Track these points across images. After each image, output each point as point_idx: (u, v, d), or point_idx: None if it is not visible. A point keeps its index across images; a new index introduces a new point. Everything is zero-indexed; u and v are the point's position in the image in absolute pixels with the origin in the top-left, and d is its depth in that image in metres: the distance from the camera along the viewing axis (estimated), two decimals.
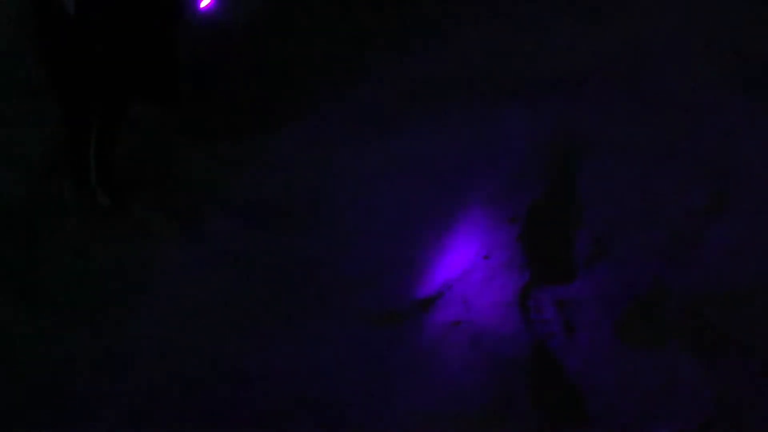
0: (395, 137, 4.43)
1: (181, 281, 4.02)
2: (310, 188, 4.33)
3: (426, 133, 4.41)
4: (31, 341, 3.79)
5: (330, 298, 3.87)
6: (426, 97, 4.63)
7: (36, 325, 3.85)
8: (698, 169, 3.99)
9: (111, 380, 3.64)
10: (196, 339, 3.77)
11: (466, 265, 3.93)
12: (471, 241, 4.01)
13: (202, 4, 4.14)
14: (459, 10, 4.99)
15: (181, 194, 4.40)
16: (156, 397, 3.56)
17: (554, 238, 3.93)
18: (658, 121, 4.21)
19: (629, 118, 4.25)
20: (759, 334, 3.48)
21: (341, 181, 4.33)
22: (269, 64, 4.96)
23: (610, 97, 4.34)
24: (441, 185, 4.23)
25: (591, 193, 4.02)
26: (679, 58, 4.50)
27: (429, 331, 3.69)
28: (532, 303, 3.73)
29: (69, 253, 4.14)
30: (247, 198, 4.33)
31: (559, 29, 4.78)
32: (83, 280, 4.04)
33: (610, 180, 4.03)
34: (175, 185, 4.44)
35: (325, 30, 4.97)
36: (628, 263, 3.76)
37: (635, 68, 4.44)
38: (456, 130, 4.39)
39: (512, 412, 3.35)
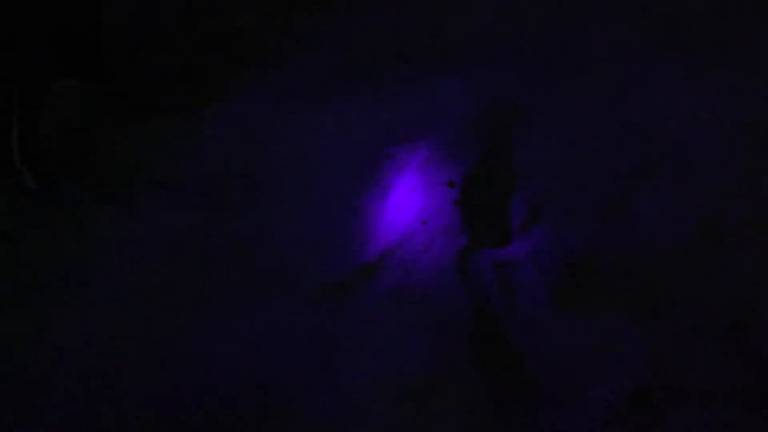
0: (329, 109, 4.43)
1: (113, 264, 3.96)
2: (245, 165, 4.30)
3: (360, 104, 4.42)
4: None
5: (268, 275, 3.86)
6: (359, 67, 4.63)
7: None
8: (628, 135, 4.09)
9: (44, 368, 3.57)
10: (131, 323, 3.72)
11: (405, 232, 3.96)
12: (409, 207, 4.04)
13: None
14: None
15: (111, 174, 4.32)
16: (92, 383, 3.50)
17: (490, 204, 3.99)
18: (587, 87, 4.30)
19: (561, 86, 4.32)
20: (689, 296, 3.60)
21: (276, 157, 4.31)
22: (199, 35, 4.88)
23: (543, 66, 4.40)
24: (376, 155, 4.25)
25: (525, 160, 4.09)
26: (610, 26, 4.59)
27: (370, 300, 3.71)
28: (471, 266, 3.79)
29: (1, 238, 4.03)
30: (179, 177, 4.27)
31: (486, 1, 4.83)
32: (11, 266, 3.94)
33: (543, 147, 4.10)
34: (105, 165, 4.36)
35: (259, 1, 4.92)
36: (561, 227, 3.84)
37: (567, 37, 4.51)
38: (390, 100, 4.41)
39: (455, 379, 3.41)
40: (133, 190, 4.24)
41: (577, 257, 3.75)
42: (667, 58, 4.30)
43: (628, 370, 3.41)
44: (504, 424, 3.30)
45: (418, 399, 3.36)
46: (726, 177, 3.87)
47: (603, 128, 4.13)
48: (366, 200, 4.09)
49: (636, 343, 3.48)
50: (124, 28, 4.84)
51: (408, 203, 4.03)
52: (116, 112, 4.54)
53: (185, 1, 4.94)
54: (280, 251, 3.96)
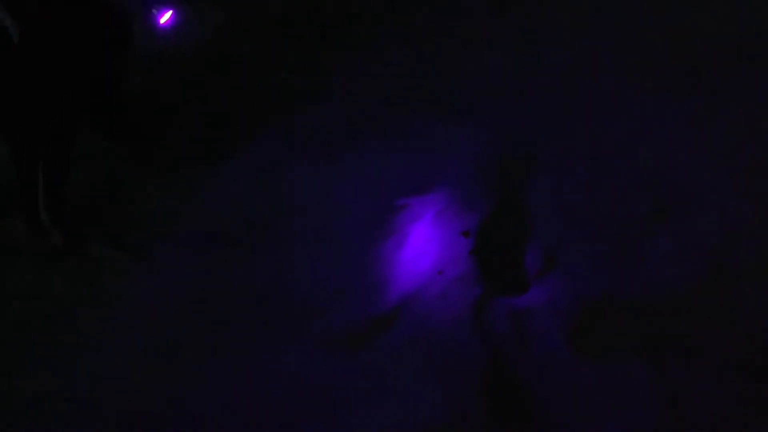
0: (343, 159, 4.49)
1: (134, 316, 4.03)
2: (261, 215, 4.37)
3: (373, 153, 4.47)
4: None
5: (284, 324, 3.90)
6: (371, 116, 4.69)
7: None
8: (639, 179, 4.11)
9: (67, 423, 3.62)
10: (151, 375, 3.77)
11: (421, 281, 4.00)
12: (424, 257, 4.08)
13: (162, 20, 4.13)
14: (396, 29, 5.07)
15: (134, 229, 4.40)
16: None
17: (505, 252, 4.02)
18: (599, 133, 4.33)
19: (572, 131, 4.35)
20: (700, 336, 3.60)
21: (289, 206, 4.38)
22: (216, 92, 4.99)
23: (550, 111, 4.45)
24: (391, 204, 4.30)
25: (538, 207, 4.12)
26: (614, 70, 4.62)
27: (385, 351, 3.74)
28: (487, 316, 3.81)
29: (21, 296, 4.11)
30: (199, 228, 4.35)
31: (496, 47, 4.88)
32: (36, 322, 4.02)
33: (555, 195, 4.13)
34: (128, 220, 4.44)
35: (270, 57, 5.01)
36: (576, 274, 3.86)
37: (572, 82, 4.56)
38: (402, 149, 4.46)
39: (467, 427, 3.42)
40: (155, 243, 4.30)
41: (592, 303, 3.76)
42: (676, 102, 4.33)
43: (645, 415, 3.40)
44: None
45: None
46: (738, 218, 3.88)
47: (615, 173, 4.16)
48: (381, 250, 4.13)
49: (653, 387, 3.47)
50: (146, 86, 4.95)
51: (423, 253, 4.07)
52: (139, 170, 4.63)
53: (204, 69, 5.05)
54: (296, 301, 4.01)
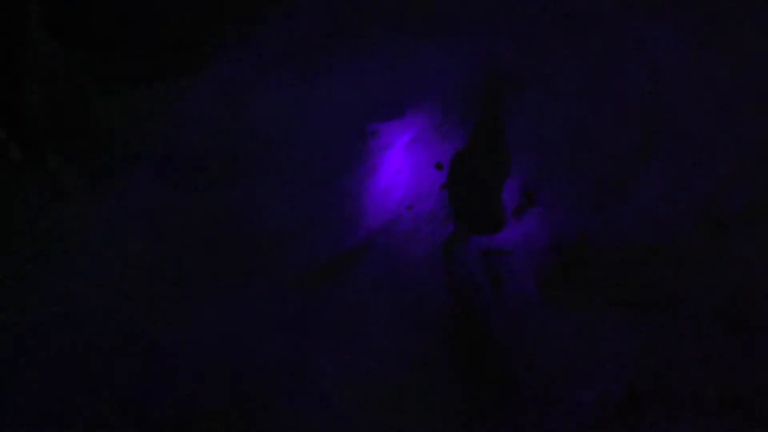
0: (313, 79, 4.20)
1: (93, 242, 3.88)
2: (226, 138, 4.13)
3: (346, 75, 4.18)
4: None
5: (249, 257, 3.74)
6: (346, 35, 4.37)
7: None
8: (626, 111, 3.82)
9: (19, 349, 3.51)
10: (109, 306, 3.65)
11: (390, 216, 3.79)
12: (394, 189, 3.86)
13: None
14: None
15: (94, 147, 4.18)
16: (68, 369, 3.44)
17: (480, 187, 3.79)
18: (588, 57, 4.00)
19: (557, 54, 4.02)
20: (680, 284, 3.40)
21: (259, 129, 4.13)
22: (181, 5, 4.67)
23: (537, 35, 4.11)
24: (362, 130, 4.04)
25: (520, 138, 3.85)
26: None
27: (351, 289, 3.58)
28: (458, 255, 3.62)
29: None
30: (161, 151, 4.11)
31: None
32: None
33: (538, 123, 3.85)
34: (88, 137, 4.22)
35: None
36: (555, 214, 3.64)
37: (560, 4, 4.20)
38: (377, 71, 4.16)
39: (434, 379, 3.29)
40: (115, 164, 4.10)
41: (570, 245, 3.55)
42: (673, 25, 3.97)
43: (617, 371, 3.26)
44: (485, 427, 3.18)
45: (395, 397, 3.25)
46: (729, 162, 3.60)
47: (601, 102, 3.86)
48: (351, 180, 3.90)
49: (627, 343, 3.31)
50: None
51: (393, 185, 3.84)
52: (100, 83, 4.38)
53: None
54: (261, 233, 3.83)
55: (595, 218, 3.60)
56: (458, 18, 4.15)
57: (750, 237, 3.43)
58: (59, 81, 4.42)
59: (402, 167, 3.87)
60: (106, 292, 3.72)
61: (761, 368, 3.16)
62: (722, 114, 3.69)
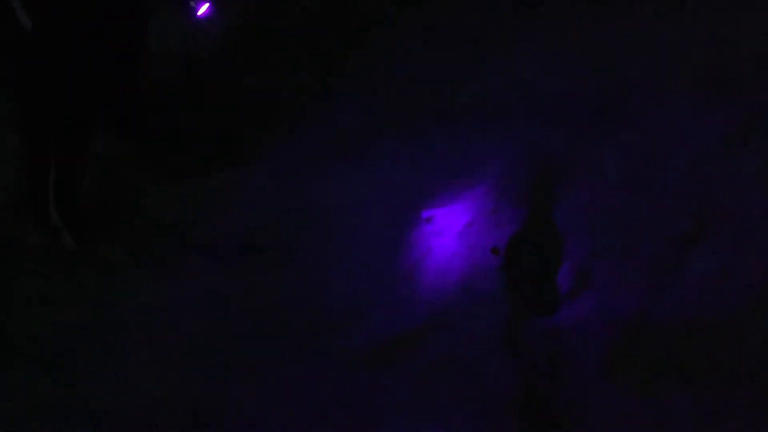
0: (366, 166, 4.34)
1: (151, 326, 3.90)
2: (282, 223, 4.22)
3: (398, 162, 4.33)
4: (3, 396, 3.66)
5: (307, 340, 3.76)
6: (395, 124, 4.55)
7: (5, 379, 3.71)
8: (676, 195, 3.95)
9: None
10: (172, 389, 3.65)
11: (447, 299, 3.85)
12: (450, 273, 3.93)
13: (200, 11, 4.05)
14: (416, 32, 4.90)
15: (149, 234, 4.25)
16: None
17: (535, 270, 3.87)
18: (631, 145, 4.16)
19: (606, 143, 4.19)
20: (745, 362, 3.44)
21: (314, 214, 4.23)
22: (235, 94, 4.87)
23: (583, 123, 4.29)
24: (417, 216, 4.15)
25: (570, 224, 3.95)
26: (650, 79, 4.45)
27: (413, 370, 3.60)
28: (517, 336, 3.66)
29: (34, 302, 3.99)
30: (217, 236, 4.21)
31: (523, 53, 4.71)
32: (51, 330, 3.89)
33: (588, 210, 3.97)
34: (142, 225, 4.29)
35: (292, 61, 4.87)
36: (610, 294, 3.70)
37: (606, 93, 4.40)
38: (427, 159, 4.31)
39: None
40: (171, 250, 4.16)
41: (627, 325, 3.60)
42: (716, 114, 4.15)
43: None
44: None
45: None
46: None
47: (649, 187, 3.99)
48: (406, 264, 3.98)
49: (693, 416, 3.32)
50: (161, 89, 4.83)
51: (449, 269, 3.92)
52: (155, 173, 4.50)
53: (225, 72, 4.93)
54: (319, 315, 3.86)
55: (651, 299, 3.66)
56: (507, 107, 4.33)
57: None
58: (112, 171, 4.54)
59: (457, 250, 3.97)
60: (159, 374, 3.73)
61: None
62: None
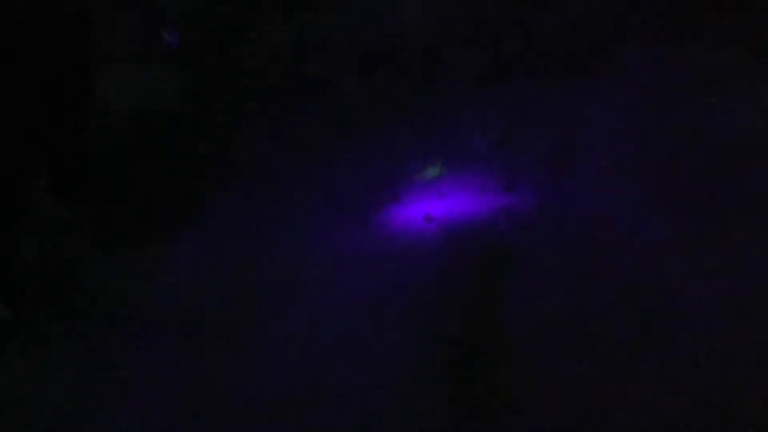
0: (315, 242, 4.25)
1: (76, 416, 3.70)
2: (223, 300, 4.09)
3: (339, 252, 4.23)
4: None
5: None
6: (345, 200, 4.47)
7: None
8: (626, 295, 3.87)
9: None
10: None
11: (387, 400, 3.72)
12: (389, 377, 3.79)
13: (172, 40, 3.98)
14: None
15: (85, 310, 4.11)
16: None
17: (480, 373, 3.74)
18: (583, 241, 4.11)
19: (555, 238, 4.13)
20: None
21: (257, 295, 4.11)
22: (182, 161, 4.78)
23: (529, 214, 4.23)
24: (360, 312, 4.03)
25: (518, 321, 3.86)
26: (602, 170, 4.41)
27: None
28: None
29: None
30: (155, 313, 4.06)
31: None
32: None
33: (537, 307, 3.88)
34: (80, 298, 4.15)
35: (243, 127, 4.79)
36: (554, 401, 3.59)
37: (555, 182, 4.36)
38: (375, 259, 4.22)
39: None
40: (105, 327, 4.01)
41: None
42: (664, 211, 4.11)
43: None
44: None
45: None
46: (734, 354, 3.61)
47: (597, 286, 3.92)
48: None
49: None
50: (109, 147, 4.72)
51: (388, 372, 3.79)
52: (97, 240, 4.38)
53: (174, 137, 4.83)
54: (256, 407, 3.70)
55: (596, 407, 3.56)
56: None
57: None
58: (52, 237, 4.42)
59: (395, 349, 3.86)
60: None
61: None
62: (726, 304, 3.73)
